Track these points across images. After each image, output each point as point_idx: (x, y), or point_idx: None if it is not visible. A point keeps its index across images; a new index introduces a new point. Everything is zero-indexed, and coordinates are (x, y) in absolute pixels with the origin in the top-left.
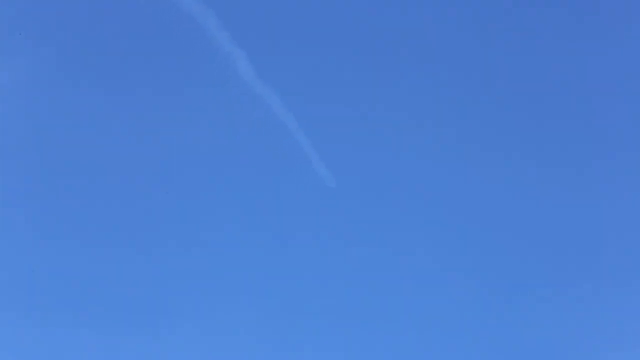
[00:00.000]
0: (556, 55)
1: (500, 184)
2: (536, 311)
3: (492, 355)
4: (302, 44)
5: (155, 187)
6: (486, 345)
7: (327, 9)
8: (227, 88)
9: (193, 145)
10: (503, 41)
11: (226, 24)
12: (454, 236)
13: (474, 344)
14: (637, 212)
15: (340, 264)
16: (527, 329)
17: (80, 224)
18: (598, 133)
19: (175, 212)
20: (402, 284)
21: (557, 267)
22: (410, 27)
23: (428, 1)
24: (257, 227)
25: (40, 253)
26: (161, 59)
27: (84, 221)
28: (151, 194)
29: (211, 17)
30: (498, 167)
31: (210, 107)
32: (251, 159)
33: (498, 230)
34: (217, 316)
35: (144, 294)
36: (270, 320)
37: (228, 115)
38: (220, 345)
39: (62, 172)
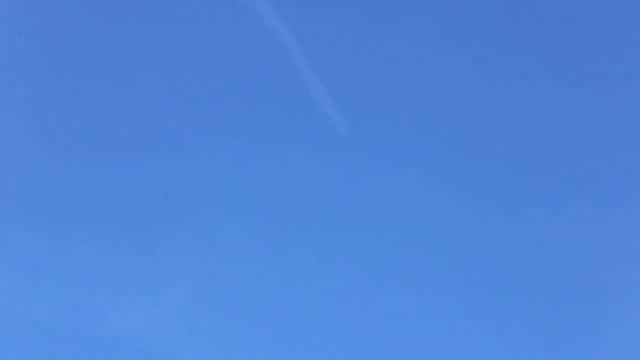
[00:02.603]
0: None
1: (501, 100)
2: (534, 227)
3: (489, 272)
4: None
5: (151, 103)
6: (482, 262)
7: None
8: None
9: (195, 67)
10: None
11: None
12: (452, 157)
13: (472, 261)
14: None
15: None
16: (525, 246)
17: (81, 130)
18: (602, 43)
19: (175, 132)
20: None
21: (555, 183)
22: None
23: None
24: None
25: (39, 160)
26: None
27: (84, 127)
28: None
29: None
30: (507, 85)
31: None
32: (256, 96)
33: (500, 148)
34: (217, 233)
35: (142, 204)
36: (272, 237)
37: (234, 45)
38: (219, 259)
39: (64, 78)
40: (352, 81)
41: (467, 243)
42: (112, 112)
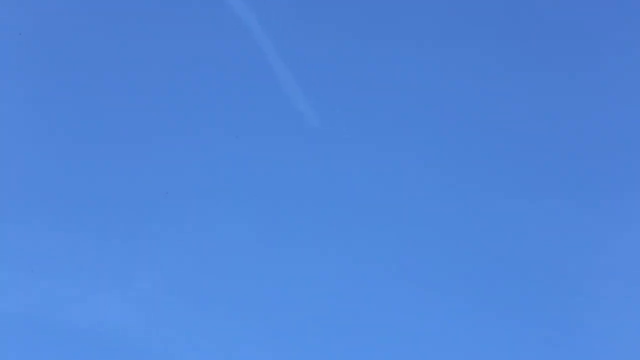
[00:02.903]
0: None
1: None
2: (517, 220)
3: (470, 262)
4: None
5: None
6: (462, 251)
7: None
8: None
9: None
10: None
11: None
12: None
13: (452, 251)
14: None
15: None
16: (506, 238)
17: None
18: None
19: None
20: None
21: (542, 177)
22: None
23: None
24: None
25: (34, 156)
26: None
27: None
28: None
29: None
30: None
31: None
32: (227, 90)
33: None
34: (186, 224)
35: (111, 195)
36: (242, 227)
37: (205, 38)
38: (188, 249)
39: (64, 78)
40: (323, 73)
41: (446, 233)
42: (89, 105)
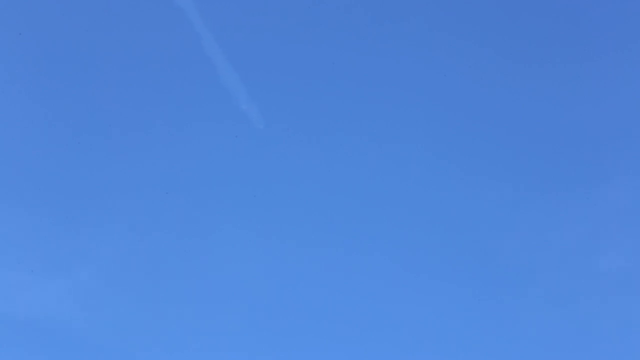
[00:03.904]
0: None
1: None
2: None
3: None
4: None
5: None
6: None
7: None
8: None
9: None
10: None
11: None
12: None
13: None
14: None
15: None
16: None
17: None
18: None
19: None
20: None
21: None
22: None
23: None
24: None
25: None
26: None
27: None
28: None
29: None
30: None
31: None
32: (168, 88)
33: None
34: (131, 216)
35: (59, 184)
36: (185, 219)
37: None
38: (133, 240)
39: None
40: (269, 76)
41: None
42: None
